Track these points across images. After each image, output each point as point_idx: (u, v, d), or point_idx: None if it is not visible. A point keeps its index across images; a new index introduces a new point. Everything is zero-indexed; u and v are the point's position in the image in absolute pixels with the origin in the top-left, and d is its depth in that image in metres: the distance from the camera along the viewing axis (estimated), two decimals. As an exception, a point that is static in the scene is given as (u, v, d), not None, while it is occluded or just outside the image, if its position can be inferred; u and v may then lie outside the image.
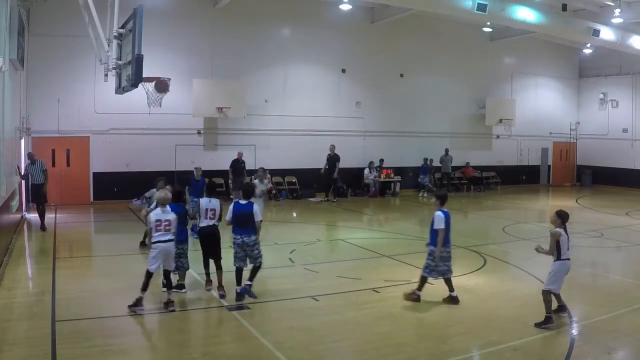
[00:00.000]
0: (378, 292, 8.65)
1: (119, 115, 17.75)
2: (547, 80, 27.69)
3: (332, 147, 20.20)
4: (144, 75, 8.73)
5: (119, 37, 9.43)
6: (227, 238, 8.68)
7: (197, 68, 19.18)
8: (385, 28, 22.28)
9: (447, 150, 24.06)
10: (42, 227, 13.52)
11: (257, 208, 8.24)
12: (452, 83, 24.41)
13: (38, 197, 13.75)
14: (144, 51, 8.49)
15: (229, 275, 8.38)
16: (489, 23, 21.46)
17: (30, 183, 13.79)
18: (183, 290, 8.41)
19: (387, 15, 21.40)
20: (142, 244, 11.29)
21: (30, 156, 13.80)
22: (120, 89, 9.89)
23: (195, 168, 13.84)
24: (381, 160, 22.37)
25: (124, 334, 6.87)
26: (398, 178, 22.59)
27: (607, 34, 21.61)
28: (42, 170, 13.62)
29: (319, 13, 21.01)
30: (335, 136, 21.91)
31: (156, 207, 7.92)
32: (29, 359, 6.00)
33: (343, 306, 8.06)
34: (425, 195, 22.21)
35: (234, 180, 17.93)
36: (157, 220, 7.61)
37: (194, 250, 9.09)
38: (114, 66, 9.54)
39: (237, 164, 18.58)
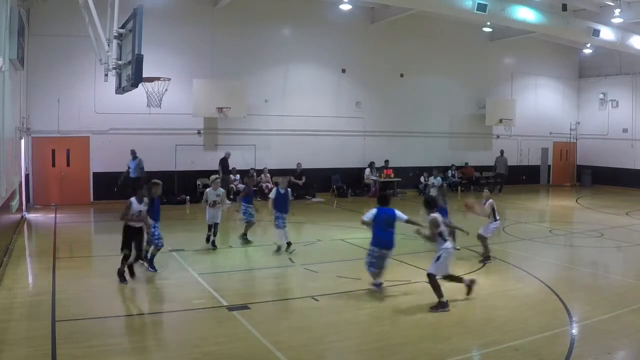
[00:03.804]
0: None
1: (119, 115, 17.76)
2: (547, 80, 27.68)
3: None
4: (144, 75, 8.73)
5: (119, 37, 9.42)
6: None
7: (197, 68, 19.18)
8: (385, 28, 22.28)
9: (502, 152, 24.63)
10: None
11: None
12: (452, 83, 24.41)
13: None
14: (144, 51, 8.50)
15: (229, 274, 8.34)
16: (489, 23, 21.45)
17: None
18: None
19: (387, 15, 21.40)
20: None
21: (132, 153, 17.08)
22: (120, 89, 9.89)
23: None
24: (386, 161, 22.35)
25: (124, 334, 6.88)
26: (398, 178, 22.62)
27: (607, 34, 21.61)
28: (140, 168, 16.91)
29: (319, 13, 21.00)
30: (335, 136, 21.95)
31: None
32: (29, 359, 6.00)
33: (343, 306, 8.06)
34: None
35: (222, 178, 18.50)
36: None
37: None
38: (114, 66, 9.54)
39: (225, 162, 19.16)
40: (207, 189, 11.84)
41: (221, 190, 11.77)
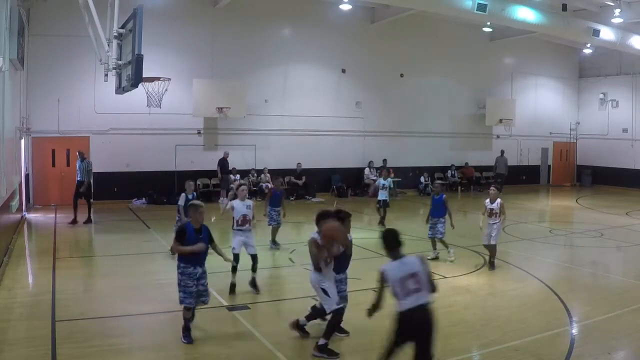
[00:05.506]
0: (378, 292, 8.62)
1: (119, 115, 17.76)
2: (547, 80, 27.69)
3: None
4: (144, 75, 8.73)
5: (119, 37, 9.43)
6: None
7: (197, 68, 19.18)
8: (385, 28, 22.28)
9: (502, 152, 24.74)
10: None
11: None
12: (452, 83, 24.42)
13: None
14: (144, 51, 8.51)
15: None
16: (489, 23, 21.47)
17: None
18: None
19: (387, 15, 21.41)
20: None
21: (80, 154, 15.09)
22: (120, 89, 9.90)
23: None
24: (384, 161, 22.38)
25: (124, 334, 6.88)
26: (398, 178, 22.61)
27: (607, 34, 21.62)
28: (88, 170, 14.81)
29: (319, 13, 21.01)
30: (335, 136, 21.95)
31: None
32: (29, 359, 6.00)
33: (343, 306, 8.04)
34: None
35: (222, 178, 19.03)
36: None
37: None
38: (114, 66, 9.54)
39: (225, 162, 19.19)
40: (234, 201, 8.95)
41: (251, 202, 9.03)
